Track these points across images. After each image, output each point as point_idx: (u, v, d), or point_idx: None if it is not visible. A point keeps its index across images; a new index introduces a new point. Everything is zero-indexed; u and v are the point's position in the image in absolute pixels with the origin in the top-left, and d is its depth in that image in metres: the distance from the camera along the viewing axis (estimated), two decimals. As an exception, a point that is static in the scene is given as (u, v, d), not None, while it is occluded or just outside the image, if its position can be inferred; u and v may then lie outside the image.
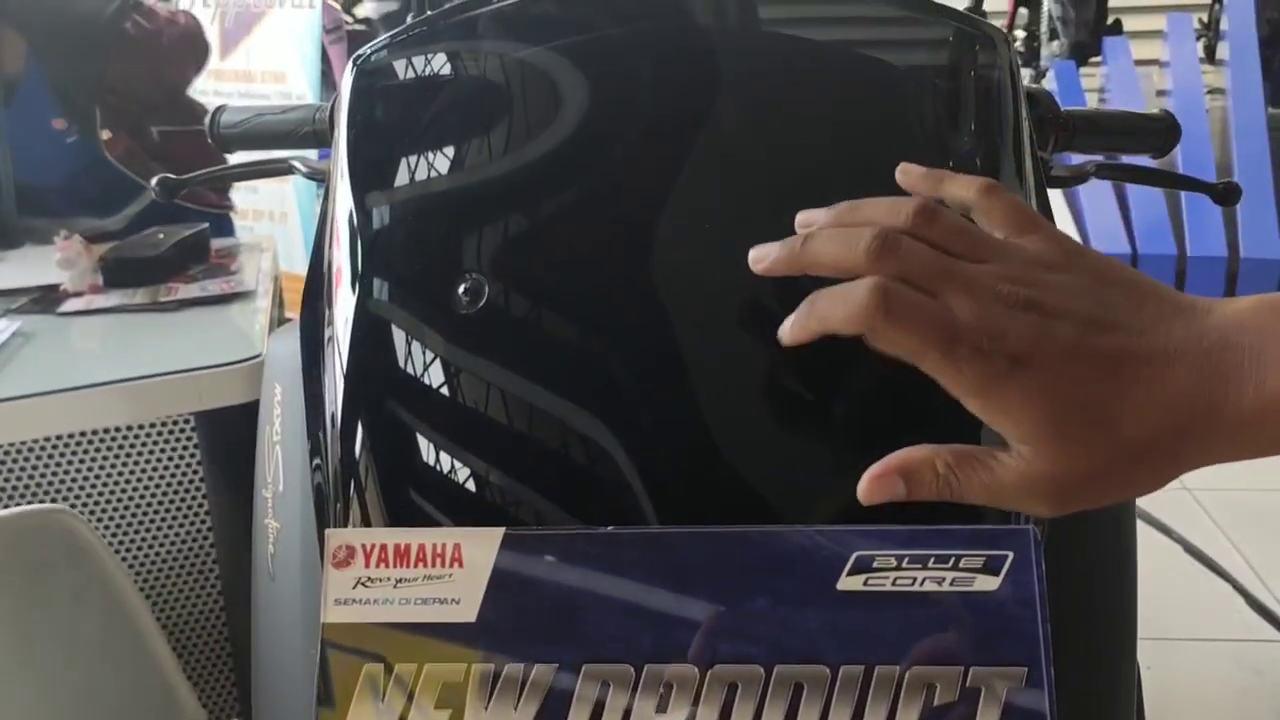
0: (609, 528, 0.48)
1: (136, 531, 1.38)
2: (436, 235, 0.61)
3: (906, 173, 0.50)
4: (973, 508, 0.49)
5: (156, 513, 1.38)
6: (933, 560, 0.47)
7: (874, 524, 0.47)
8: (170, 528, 1.39)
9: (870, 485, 0.42)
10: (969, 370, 0.40)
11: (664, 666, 0.46)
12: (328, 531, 0.49)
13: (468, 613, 0.48)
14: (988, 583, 0.47)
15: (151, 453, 1.35)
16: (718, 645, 0.46)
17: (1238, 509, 2.43)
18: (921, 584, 0.47)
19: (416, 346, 0.57)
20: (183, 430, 1.35)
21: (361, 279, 0.60)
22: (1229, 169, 3.48)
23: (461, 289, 0.56)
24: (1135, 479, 0.41)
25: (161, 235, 1.55)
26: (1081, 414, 0.40)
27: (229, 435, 1.39)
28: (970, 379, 0.40)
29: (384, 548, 0.49)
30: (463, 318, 0.56)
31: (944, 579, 0.47)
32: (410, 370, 0.56)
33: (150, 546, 1.40)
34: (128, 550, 1.39)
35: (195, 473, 1.37)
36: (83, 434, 1.30)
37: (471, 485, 0.54)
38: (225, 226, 1.73)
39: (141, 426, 1.33)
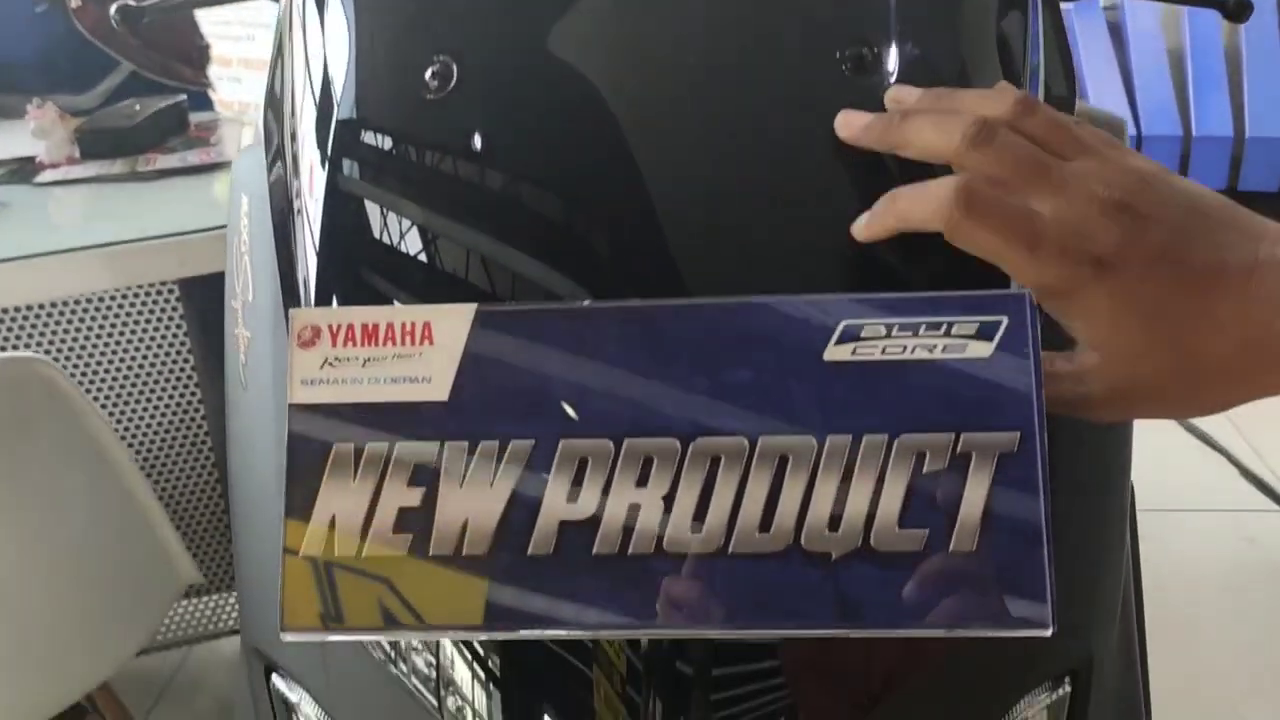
0: (585, 302, 0.46)
1: (127, 404, 1.37)
2: (403, 16, 0.57)
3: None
4: (965, 275, 0.47)
5: (145, 383, 1.37)
6: (924, 328, 0.45)
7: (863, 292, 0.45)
8: (159, 398, 1.38)
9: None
10: (1052, 271, 0.40)
11: (644, 440, 0.44)
12: (292, 311, 0.47)
13: (439, 391, 0.46)
14: (981, 349, 0.45)
15: (136, 322, 1.33)
16: (700, 419, 0.45)
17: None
18: (912, 352, 0.45)
19: (385, 131, 0.54)
20: (167, 300, 1.33)
21: (324, 78, 0.57)
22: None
23: (429, 73, 0.53)
24: (1203, 395, 0.41)
25: (138, 107, 1.51)
26: (1161, 323, 0.39)
27: (214, 304, 1.37)
28: (1052, 280, 0.40)
29: (351, 327, 0.46)
30: (431, 102, 0.53)
31: (935, 347, 0.45)
32: (378, 156, 0.54)
33: (141, 418, 1.39)
34: (118, 422, 1.38)
35: (182, 343, 1.35)
36: (65, 303, 1.28)
37: (443, 265, 0.52)
38: (204, 102, 1.69)
39: (125, 295, 1.30)
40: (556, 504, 0.44)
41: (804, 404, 0.45)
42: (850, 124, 0.47)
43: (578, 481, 0.44)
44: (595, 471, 0.44)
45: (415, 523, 0.44)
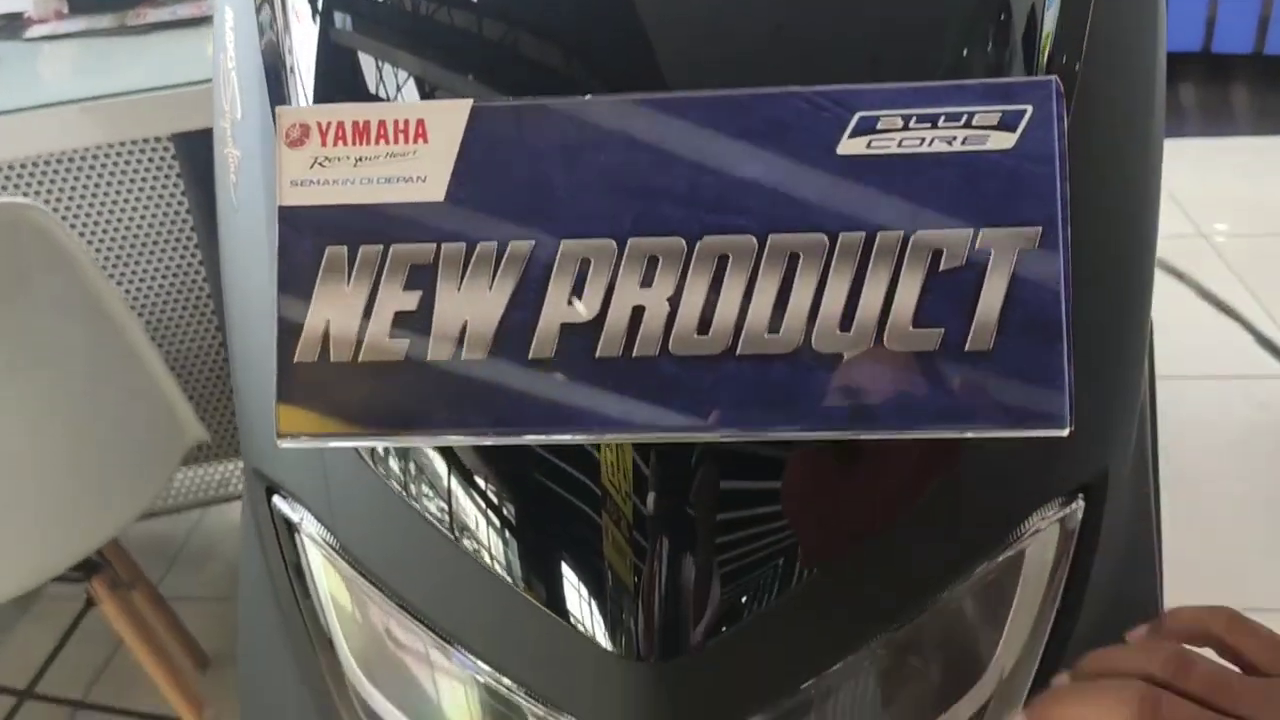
0: (586, 96, 0.44)
1: (126, 264, 1.35)
2: None
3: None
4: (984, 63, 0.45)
5: (144, 243, 1.35)
6: (943, 119, 0.43)
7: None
8: (159, 258, 1.36)
9: None
10: None
11: (648, 240, 0.43)
12: (279, 109, 0.44)
13: (435, 191, 0.44)
14: (1003, 140, 0.42)
15: (132, 180, 1.30)
16: (706, 216, 0.43)
17: (1256, 255, 2.38)
18: (930, 145, 0.42)
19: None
20: (162, 158, 1.30)
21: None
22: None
23: None
24: None
25: (126, -42, 1.46)
26: None
27: (211, 162, 1.34)
28: None
29: (341, 125, 0.44)
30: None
31: (955, 138, 0.42)
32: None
33: (141, 278, 1.38)
34: (118, 283, 1.36)
35: (180, 202, 1.33)
36: (59, 159, 1.26)
37: (437, 62, 0.49)
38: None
39: (119, 152, 1.28)
40: (557, 306, 0.42)
41: (816, 200, 0.43)
42: None
43: (579, 283, 0.43)
44: (597, 272, 0.43)
45: (412, 326, 0.43)
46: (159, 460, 1.22)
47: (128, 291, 1.38)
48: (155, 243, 1.34)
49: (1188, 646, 0.44)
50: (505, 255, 0.43)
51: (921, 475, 0.47)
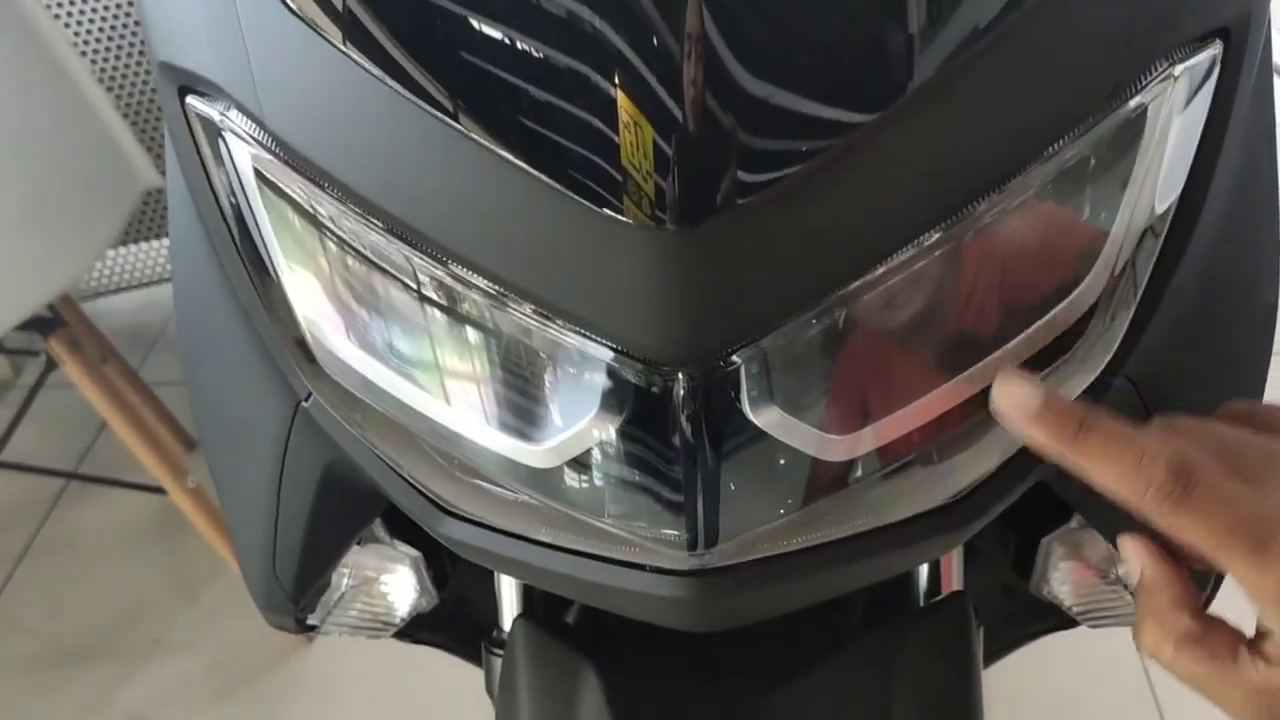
0: None
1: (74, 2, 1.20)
2: None
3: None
4: None
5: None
6: None
7: None
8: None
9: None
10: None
11: None
12: None
13: None
14: None
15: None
16: None
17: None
18: None
19: None
20: None
21: None
22: None
23: None
24: None
25: None
26: None
27: None
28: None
29: None
30: None
31: None
32: None
33: (82, 10, 1.23)
34: (56, 15, 1.22)
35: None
36: None
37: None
38: None
39: None
40: None
41: None
42: (1013, 398, 0.38)
43: None
44: None
45: None
46: (110, 205, 1.10)
47: (76, 34, 1.24)
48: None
49: None
50: None
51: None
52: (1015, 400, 0.38)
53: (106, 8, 1.23)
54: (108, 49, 1.25)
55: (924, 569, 0.59)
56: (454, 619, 0.77)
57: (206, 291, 0.50)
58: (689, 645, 0.53)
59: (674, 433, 0.38)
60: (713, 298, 0.35)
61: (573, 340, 0.38)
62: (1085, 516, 0.53)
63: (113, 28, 1.25)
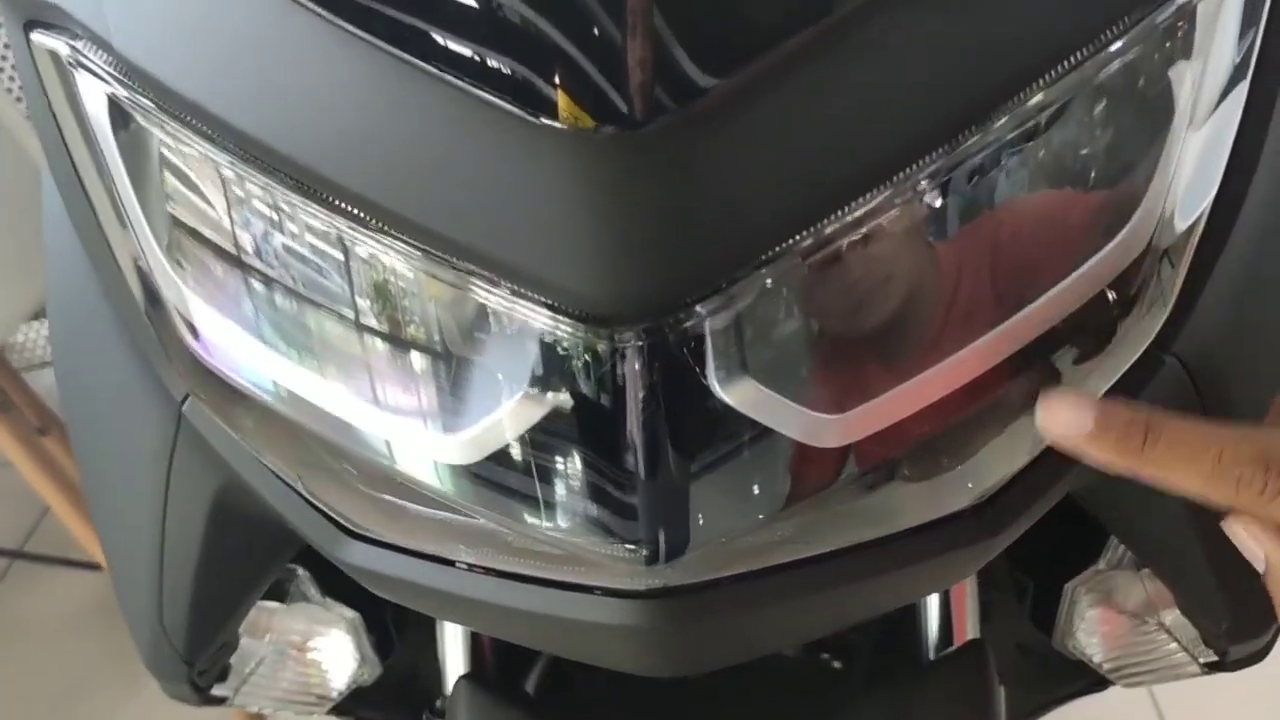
0: None
1: None
2: None
3: None
4: None
5: None
6: None
7: None
8: None
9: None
10: None
11: None
12: None
13: None
14: None
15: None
16: None
17: None
18: None
19: None
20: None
21: None
22: None
23: None
24: None
25: None
26: None
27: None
28: None
29: None
30: None
31: None
32: None
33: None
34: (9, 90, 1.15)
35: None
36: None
37: None
38: None
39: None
40: None
41: None
42: (1062, 421, 0.34)
43: None
44: None
45: None
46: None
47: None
48: None
49: None
50: None
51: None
52: (1064, 423, 0.34)
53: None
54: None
55: (934, 614, 0.51)
56: (405, 694, 0.67)
57: (78, 288, 0.43)
58: (663, 705, 0.44)
59: (624, 414, 0.30)
60: (666, 226, 0.27)
61: (493, 296, 0.30)
62: (1120, 535, 0.45)
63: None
